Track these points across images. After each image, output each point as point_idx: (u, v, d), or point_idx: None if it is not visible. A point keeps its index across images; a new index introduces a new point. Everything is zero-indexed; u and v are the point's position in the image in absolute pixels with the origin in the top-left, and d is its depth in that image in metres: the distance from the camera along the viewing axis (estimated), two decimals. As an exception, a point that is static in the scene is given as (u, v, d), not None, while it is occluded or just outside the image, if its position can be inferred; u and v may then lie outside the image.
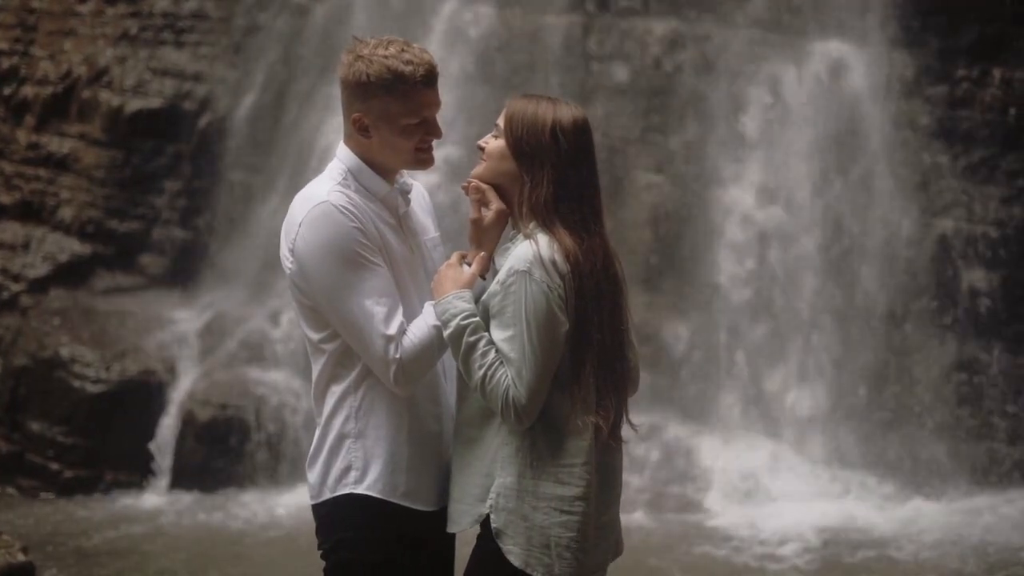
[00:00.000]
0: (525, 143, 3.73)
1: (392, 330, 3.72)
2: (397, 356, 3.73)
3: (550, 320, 3.63)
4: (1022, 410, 10.28)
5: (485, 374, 3.65)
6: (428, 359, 3.78)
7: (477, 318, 3.70)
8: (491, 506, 3.69)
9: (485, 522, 3.72)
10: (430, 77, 3.82)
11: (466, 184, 3.86)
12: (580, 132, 3.75)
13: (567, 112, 3.75)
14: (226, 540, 9.38)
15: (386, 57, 3.78)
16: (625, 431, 3.80)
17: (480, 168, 3.84)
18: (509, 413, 3.64)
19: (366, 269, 3.74)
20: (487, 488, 3.71)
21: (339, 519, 3.83)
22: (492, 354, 3.66)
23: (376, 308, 3.72)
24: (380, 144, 3.85)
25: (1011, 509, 9.72)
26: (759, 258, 10.68)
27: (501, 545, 3.67)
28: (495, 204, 3.81)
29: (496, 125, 3.81)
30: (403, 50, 3.80)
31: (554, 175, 3.71)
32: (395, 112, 3.81)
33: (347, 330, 3.76)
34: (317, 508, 3.88)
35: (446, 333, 3.71)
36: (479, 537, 3.76)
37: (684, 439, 10.26)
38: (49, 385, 10.68)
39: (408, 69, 3.78)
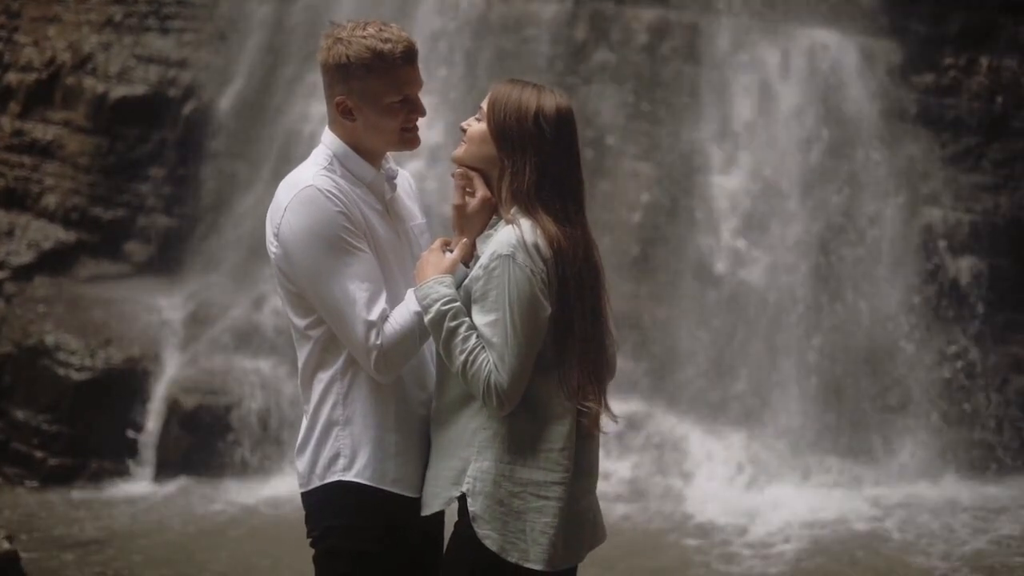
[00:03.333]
0: (507, 128, 3.73)
1: (374, 316, 3.71)
2: (378, 343, 3.71)
3: (533, 305, 3.62)
4: (1008, 399, 10.30)
5: (467, 359, 3.64)
6: (409, 346, 3.77)
7: (458, 303, 3.69)
8: (468, 490, 3.68)
9: (463, 507, 3.71)
10: (409, 54, 3.81)
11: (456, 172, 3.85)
12: (563, 121, 3.74)
13: (551, 100, 3.74)
14: (212, 528, 9.36)
15: (364, 37, 3.78)
16: (605, 421, 3.79)
17: (460, 150, 3.83)
18: (491, 398, 3.63)
19: (349, 254, 3.73)
20: (460, 471, 3.71)
21: (328, 507, 3.82)
22: (474, 339, 3.65)
23: (359, 293, 3.71)
24: (365, 126, 3.84)
25: (997, 498, 9.73)
26: (746, 246, 10.67)
27: (477, 530, 3.66)
28: (480, 191, 3.79)
29: (480, 108, 3.80)
30: (381, 29, 3.81)
31: (537, 162, 3.71)
32: (377, 91, 3.80)
33: (329, 315, 3.75)
34: (306, 496, 3.88)
35: (427, 318, 3.70)
36: (457, 522, 3.76)
37: (670, 428, 10.26)
38: (34, 373, 10.64)
39: (387, 47, 3.78)
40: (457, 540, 3.74)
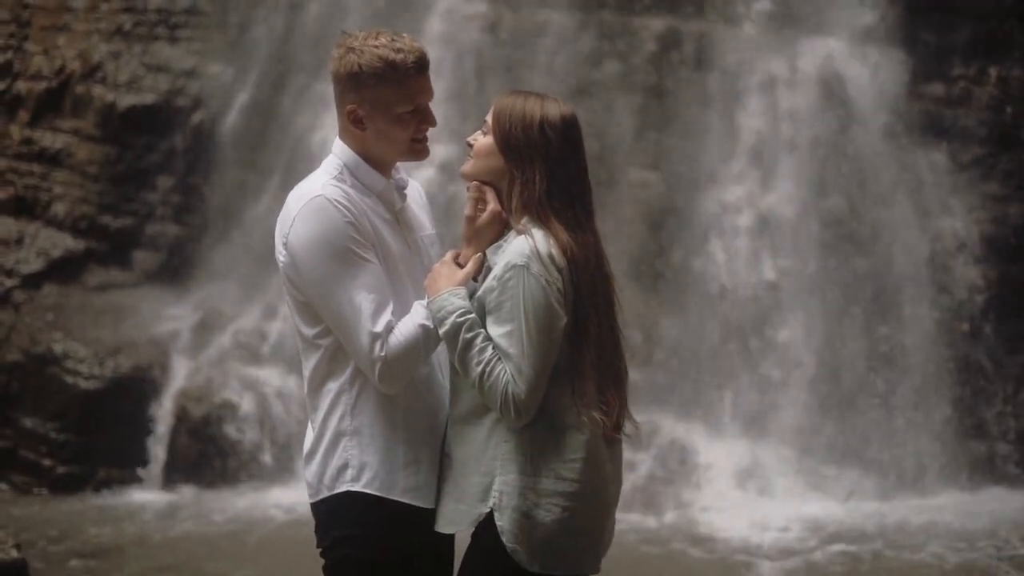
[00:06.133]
0: (514, 139, 3.72)
1: (379, 327, 3.70)
2: (382, 354, 3.70)
3: (549, 314, 3.61)
4: (1017, 408, 10.28)
5: (483, 371, 3.63)
6: (414, 358, 3.75)
7: (473, 314, 3.67)
8: (494, 504, 3.66)
9: (482, 520, 3.69)
10: (421, 64, 3.81)
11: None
12: (568, 128, 3.74)
13: (555, 108, 3.74)
14: (220, 537, 9.36)
15: (377, 47, 3.78)
16: (628, 427, 3.79)
17: (468, 165, 3.83)
18: (508, 409, 3.62)
19: (357, 265, 3.72)
20: (486, 487, 3.68)
21: (337, 517, 3.80)
22: (489, 350, 3.63)
23: (364, 304, 3.70)
24: (375, 135, 3.84)
25: (1006, 507, 9.71)
26: (753, 256, 10.67)
27: (507, 544, 3.64)
28: (492, 204, 3.79)
29: (485, 122, 3.80)
30: (393, 39, 3.80)
31: (545, 171, 3.70)
32: (389, 100, 3.80)
33: (335, 325, 3.74)
34: (315, 506, 3.86)
35: (442, 331, 3.68)
36: (474, 535, 3.73)
37: (678, 437, 10.25)
38: (42, 381, 10.66)
39: (399, 57, 3.78)
40: (477, 552, 3.71)
